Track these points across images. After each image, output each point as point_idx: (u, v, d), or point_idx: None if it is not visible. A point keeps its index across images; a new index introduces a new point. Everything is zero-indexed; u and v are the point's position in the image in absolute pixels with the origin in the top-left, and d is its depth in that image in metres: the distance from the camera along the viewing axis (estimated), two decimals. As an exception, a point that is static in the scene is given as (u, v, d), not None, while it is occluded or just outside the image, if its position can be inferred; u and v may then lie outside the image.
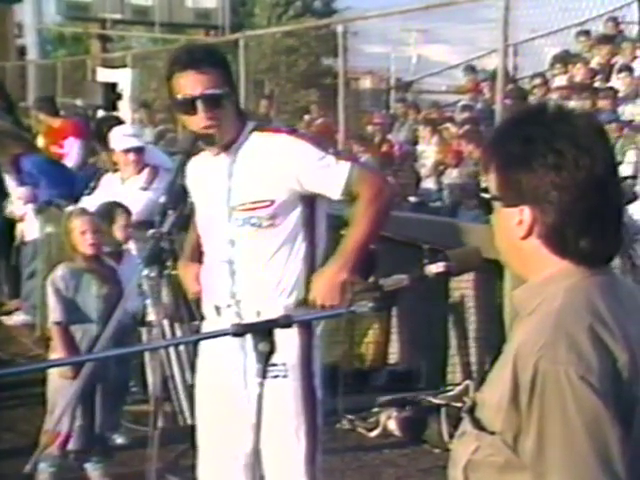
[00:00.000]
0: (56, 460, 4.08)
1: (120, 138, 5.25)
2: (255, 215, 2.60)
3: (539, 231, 1.50)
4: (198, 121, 2.56)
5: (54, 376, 4.05)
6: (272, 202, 2.60)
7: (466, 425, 1.54)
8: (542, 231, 1.50)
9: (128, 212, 4.51)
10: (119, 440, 4.59)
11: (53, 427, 3.94)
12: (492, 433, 1.46)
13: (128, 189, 5.19)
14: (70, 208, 4.66)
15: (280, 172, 2.59)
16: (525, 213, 1.50)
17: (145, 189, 5.12)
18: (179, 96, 2.57)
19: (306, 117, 10.76)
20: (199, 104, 2.54)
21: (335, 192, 2.63)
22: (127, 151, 5.18)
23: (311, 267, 2.67)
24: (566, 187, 1.47)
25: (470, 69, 10.99)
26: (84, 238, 4.10)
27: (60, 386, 4.00)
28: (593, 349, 1.39)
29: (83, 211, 4.31)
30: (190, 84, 2.55)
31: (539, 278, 1.53)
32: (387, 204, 2.70)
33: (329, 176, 2.60)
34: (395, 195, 2.77)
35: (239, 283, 2.66)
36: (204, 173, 2.75)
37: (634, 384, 1.42)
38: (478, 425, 1.50)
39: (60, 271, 4.15)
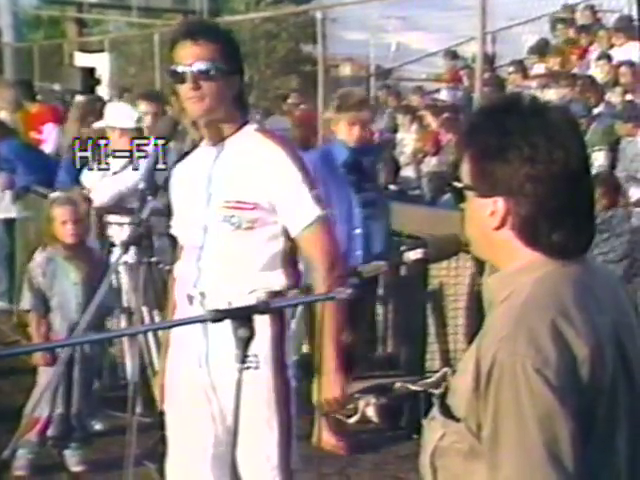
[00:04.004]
0: (34, 446, 4.08)
1: (121, 115, 5.19)
2: (237, 215, 2.57)
3: (512, 223, 1.51)
4: (186, 91, 2.56)
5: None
6: (255, 206, 2.57)
7: (435, 411, 1.56)
8: (515, 223, 1.51)
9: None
10: (97, 426, 4.59)
11: (31, 412, 3.93)
12: (459, 420, 1.48)
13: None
14: (55, 195, 4.61)
15: (263, 181, 2.57)
16: (498, 204, 1.51)
17: (116, 173, 5.07)
18: (172, 66, 2.57)
19: (289, 101, 10.71)
20: (188, 73, 2.53)
21: (294, 229, 2.61)
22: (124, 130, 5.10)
23: (287, 273, 2.64)
24: (541, 179, 1.48)
25: (451, 54, 10.98)
26: (65, 228, 4.10)
27: (41, 371, 4.00)
28: (552, 343, 1.40)
29: (67, 200, 4.28)
30: (185, 54, 2.54)
31: (511, 268, 1.54)
32: (338, 281, 2.56)
33: (297, 211, 2.58)
34: (344, 276, 2.59)
35: (206, 276, 2.64)
36: (194, 165, 2.72)
37: (598, 376, 1.43)
38: (446, 412, 1.51)
39: (37, 258, 4.15)
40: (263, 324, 2.46)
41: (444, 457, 1.52)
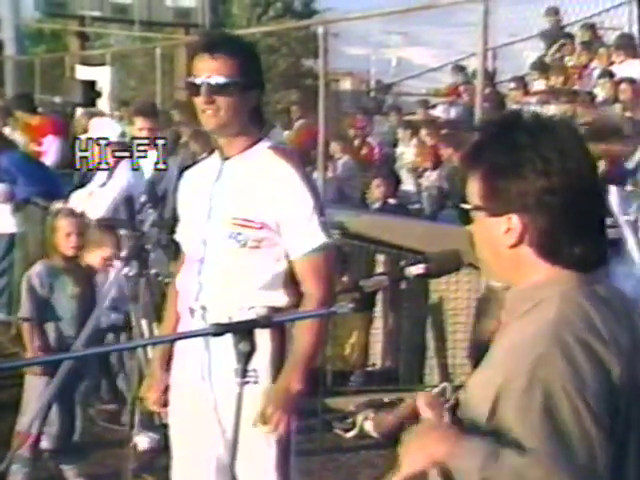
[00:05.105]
0: (28, 461, 4.04)
1: (103, 128, 5.26)
2: (244, 232, 2.57)
3: (530, 238, 1.51)
4: (200, 104, 2.56)
5: (29, 375, 4.03)
6: (262, 225, 2.57)
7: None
8: (534, 238, 1.50)
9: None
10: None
11: (26, 428, 3.92)
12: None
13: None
14: (58, 206, 4.63)
15: (273, 201, 2.56)
16: (513, 221, 1.50)
17: (104, 184, 5.11)
18: (189, 78, 2.58)
19: (288, 131, 10.65)
20: (202, 87, 2.53)
21: (294, 252, 2.59)
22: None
23: (289, 293, 2.63)
24: (557, 192, 1.48)
25: (458, 69, 10.97)
26: (68, 240, 4.10)
27: (35, 386, 3.98)
28: (588, 362, 1.41)
29: (71, 212, 4.29)
30: (202, 67, 2.55)
31: (530, 282, 1.53)
32: (319, 341, 2.63)
33: (301, 234, 2.57)
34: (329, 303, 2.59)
35: (207, 290, 2.64)
36: (201, 177, 2.72)
37: (622, 393, 1.44)
38: (460, 425, 1.50)
39: (37, 268, 4.14)
40: (264, 339, 2.46)
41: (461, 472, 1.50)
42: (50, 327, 4.10)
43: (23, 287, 4.18)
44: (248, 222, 2.56)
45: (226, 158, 2.64)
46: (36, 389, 3.96)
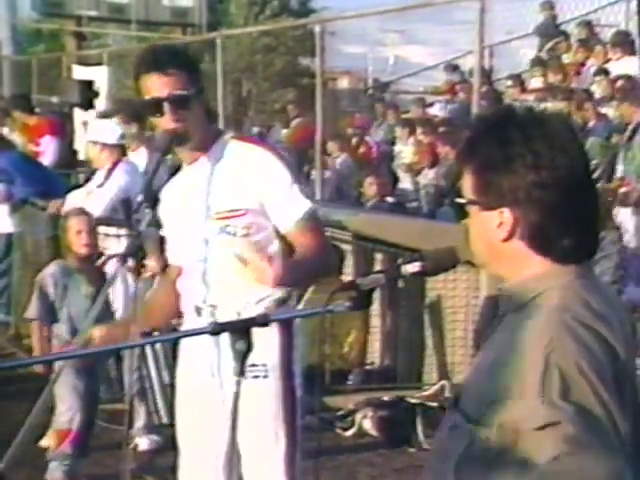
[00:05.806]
0: (69, 457, 4.02)
1: (103, 130, 5.26)
2: (231, 224, 2.61)
3: (522, 232, 1.53)
4: (165, 123, 2.58)
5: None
6: (246, 211, 2.61)
7: (456, 418, 1.54)
8: (525, 231, 1.52)
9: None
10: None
11: (66, 425, 3.93)
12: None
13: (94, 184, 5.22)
14: (69, 207, 4.67)
15: (252, 184, 2.61)
16: (505, 215, 1.52)
17: (101, 185, 5.12)
18: (146, 98, 2.59)
19: (286, 129, 10.66)
20: (165, 106, 2.55)
21: (285, 224, 2.64)
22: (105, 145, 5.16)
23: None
24: (547, 186, 1.50)
25: (452, 67, 11.00)
26: (79, 237, 4.12)
27: (66, 381, 3.95)
28: (595, 343, 1.43)
29: (81, 211, 4.32)
30: (156, 86, 2.56)
31: (526, 275, 1.54)
32: (321, 271, 2.68)
33: (287, 206, 2.62)
34: (330, 269, 2.70)
35: (214, 289, 2.66)
36: (181, 186, 2.74)
37: (624, 376, 1.46)
38: (468, 419, 1.50)
39: (51, 269, 4.17)
40: (271, 333, 2.48)
41: (471, 466, 1.50)
42: (62, 327, 4.11)
43: (35, 288, 4.20)
44: (232, 212, 2.61)
45: (194, 161, 2.68)
46: (68, 385, 3.95)
